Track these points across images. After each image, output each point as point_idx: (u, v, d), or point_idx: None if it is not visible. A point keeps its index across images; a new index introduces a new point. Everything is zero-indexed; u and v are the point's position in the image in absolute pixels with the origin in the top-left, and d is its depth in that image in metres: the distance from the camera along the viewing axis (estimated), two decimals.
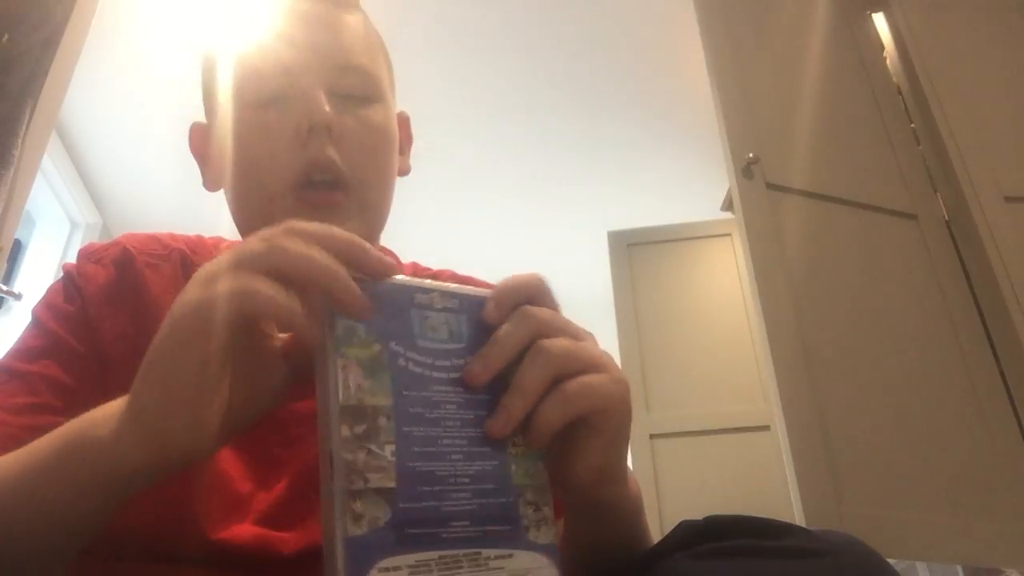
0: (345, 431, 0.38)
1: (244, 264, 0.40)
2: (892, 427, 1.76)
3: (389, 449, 0.39)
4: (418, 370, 0.41)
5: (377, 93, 0.73)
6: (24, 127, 1.58)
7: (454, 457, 0.41)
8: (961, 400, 1.86)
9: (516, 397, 0.43)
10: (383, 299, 0.41)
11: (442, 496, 0.40)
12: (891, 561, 1.35)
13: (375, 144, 0.71)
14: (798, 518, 1.55)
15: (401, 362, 0.41)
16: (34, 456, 0.46)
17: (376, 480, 0.38)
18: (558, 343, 0.44)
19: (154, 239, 0.73)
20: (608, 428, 0.44)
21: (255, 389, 0.44)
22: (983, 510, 1.72)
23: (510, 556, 0.41)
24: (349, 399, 0.38)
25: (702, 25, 2.19)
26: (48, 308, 0.67)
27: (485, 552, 0.40)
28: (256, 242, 0.41)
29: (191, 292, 0.41)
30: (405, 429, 0.40)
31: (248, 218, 0.72)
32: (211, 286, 0.40)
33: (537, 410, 0.43)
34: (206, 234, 0.81)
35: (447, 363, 0.43)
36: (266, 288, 0.39)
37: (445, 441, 0.41)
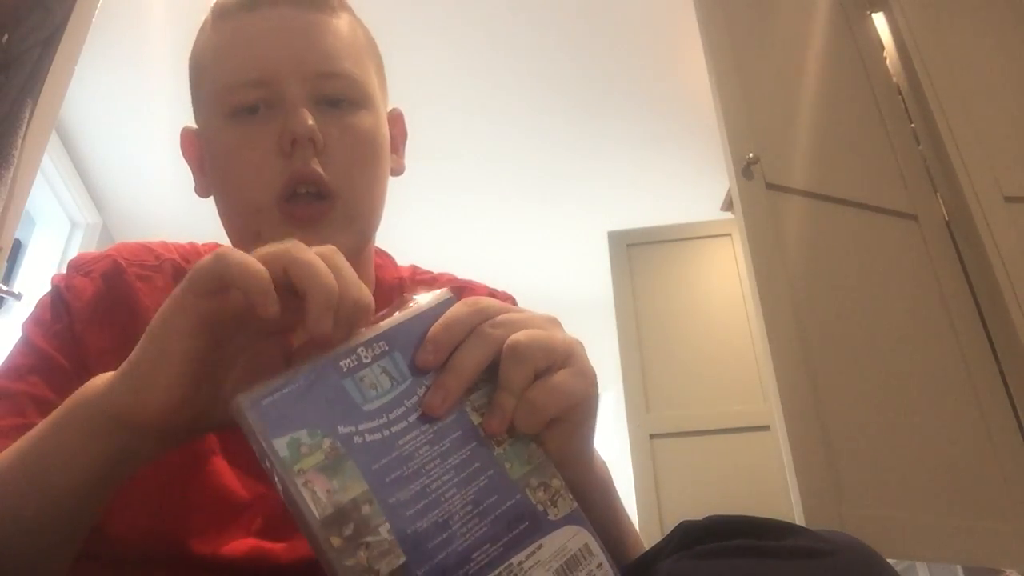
0: (336, 541, 0.37)
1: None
2: (892, 427, 1.76)
3: (384, 529, 0.38)
4: (377, 436, 0.40)
5: (363, 98, 0.71)
6: (24, 127, 1.58)
7: (449, 494, 0.40)
8: (961, 400, 1.86)
9: (506, 395, 0.44)
10: (311, 387, 0.40)
11: (453, 538, 0.39)
12: (891, 561, 1.35)
13: (362, 153, 0.70)
14: (798, 518, 1.54)
15: (357, 440, 0.40)
16: (39, 429, 0.49)
17: (386, 566, 0.37)
18: (528, 337, 0.44)
19: (146, 249, 0.73)
20: (573, 419, 0.46)
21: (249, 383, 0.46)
22: (983, 510, 1.71)
23: (539, 547, 0.41)
24: (325, 510, 0.37)
25: (702, 25, 2.19)
26: (36, 325, 0.67)
27: (516, 559, 0.40)
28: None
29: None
30: (391, 501, 0.39)
31: (236, 230, 0.71)
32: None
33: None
34: (206, 236, 0.81)
35: (402, 409, 0.42)
36: (243, 257, 0.41)
37: (433, 485, 0.40)
